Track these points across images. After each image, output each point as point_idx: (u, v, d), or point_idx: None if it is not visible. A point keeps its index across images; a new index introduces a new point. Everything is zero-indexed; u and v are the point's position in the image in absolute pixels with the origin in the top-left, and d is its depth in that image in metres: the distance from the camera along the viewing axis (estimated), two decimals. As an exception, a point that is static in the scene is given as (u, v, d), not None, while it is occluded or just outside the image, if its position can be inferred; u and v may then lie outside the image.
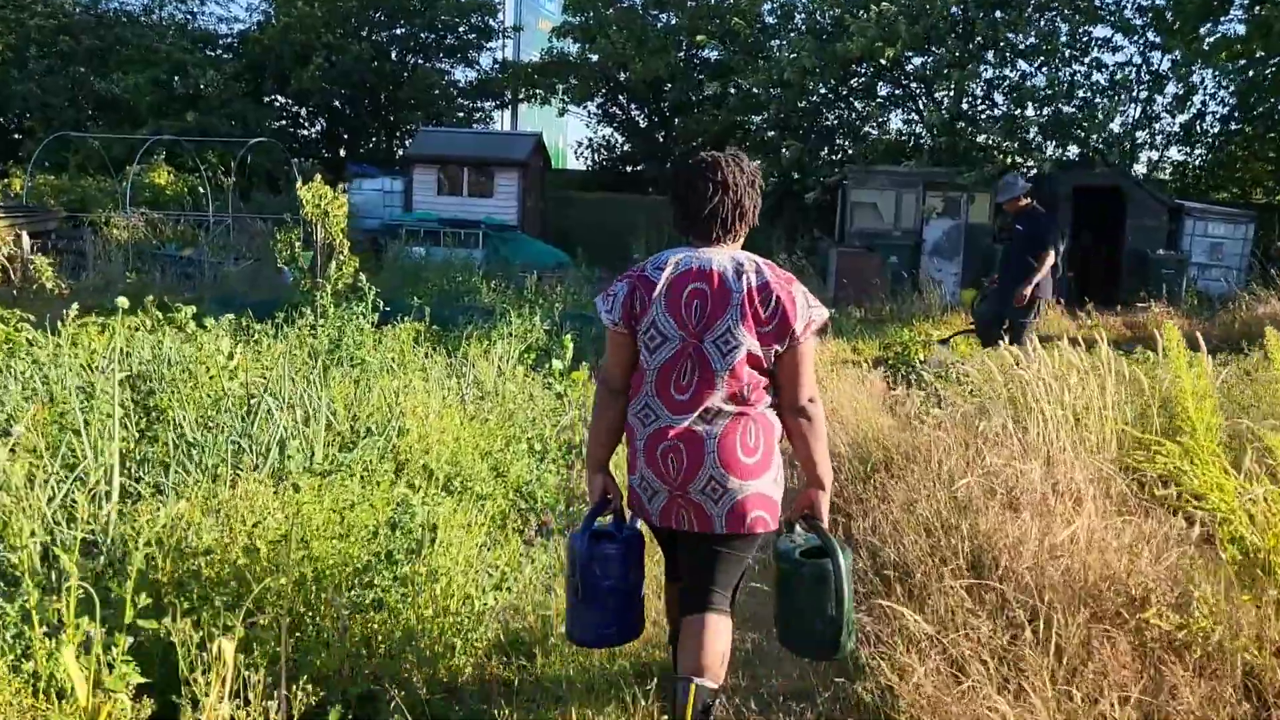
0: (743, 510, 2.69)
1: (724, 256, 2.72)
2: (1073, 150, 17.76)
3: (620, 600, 2.83)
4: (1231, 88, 18.46)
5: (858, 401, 7.19)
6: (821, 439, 2.73)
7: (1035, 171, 16.77)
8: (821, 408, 2.73)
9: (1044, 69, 18.03)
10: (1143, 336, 13.73)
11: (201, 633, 2.52)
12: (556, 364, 8.35)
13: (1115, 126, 17.43)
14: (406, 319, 9.66)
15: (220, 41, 22.96)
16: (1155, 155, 19.33)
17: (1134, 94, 18.08)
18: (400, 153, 21.82)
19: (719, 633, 2.75)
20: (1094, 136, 17.24)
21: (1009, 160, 17.46)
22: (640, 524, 2.97)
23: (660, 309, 2.69)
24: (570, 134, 29.41)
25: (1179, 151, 19.23)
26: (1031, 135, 17.27)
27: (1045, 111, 17.37)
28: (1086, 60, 18.14)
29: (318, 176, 8.62)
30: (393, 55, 24.03)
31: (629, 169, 24.64)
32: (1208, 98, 18.39)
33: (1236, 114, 18.44)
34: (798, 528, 2.85)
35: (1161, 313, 14.21)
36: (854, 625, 2.75)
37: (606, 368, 2.86)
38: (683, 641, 2.78)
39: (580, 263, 17.96)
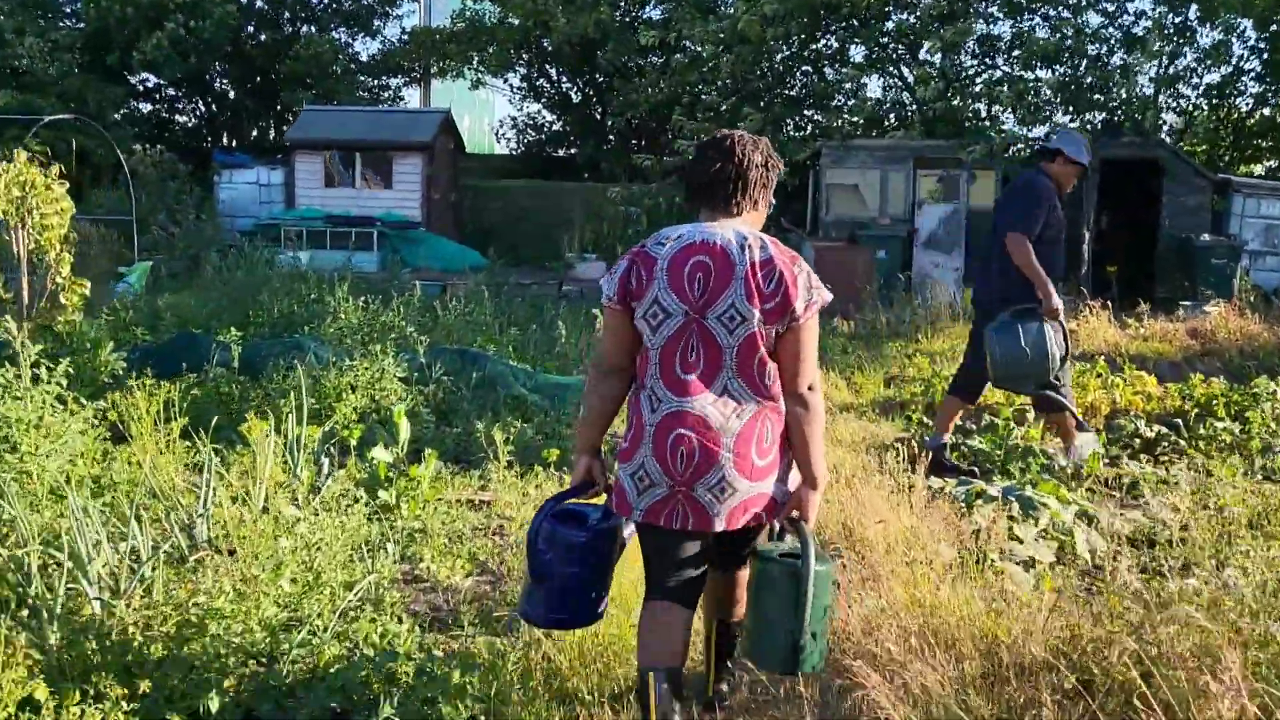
0: (743, 509, 2.61)
1: (728, 230, 2.62)
2: (1089, 117, 14.68)
3: (574, 585, 2.68)
4: (1266, 38, 15.52)
5: (906, 532, 3.92)
6: (818, 430, 2.62)
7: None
8: (820, 396, 2.63)
9: (1048, 20, 14.94)
10: (1214, 349, 10.67)
11: None
12: (380, 455, 4.99)
13: (1145, 84, 14.37)
14: (205, 362, 6.25)
15: (64, 8, 19.05)
16: (1180, 121, 16.28)
17: (1158, 48, 14.98)
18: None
19: (743, 579, 2.81)
20: (1116, 99, 14.18)
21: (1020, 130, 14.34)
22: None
23: (662, 284, 2.58)
24: (499, 115, 25.89)
25: (1209, 117, 16.20)
26: (1043, 100, 14.14)
27: (1058, 71, 14.27)
28: (1099, 9, 15.07)
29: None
30: (280, 25, 20.40)
31: (561, 151, 21.26)
32: (1246, 50, 15.35)
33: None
34: (787, 536, 2.72)
35: (1226, 313, 11.18)
36: (825, 641, 2.58)
37: (600, 347, 2.79)
38: (709, 591, 2.83)
39: (495, 264, 14.58)
